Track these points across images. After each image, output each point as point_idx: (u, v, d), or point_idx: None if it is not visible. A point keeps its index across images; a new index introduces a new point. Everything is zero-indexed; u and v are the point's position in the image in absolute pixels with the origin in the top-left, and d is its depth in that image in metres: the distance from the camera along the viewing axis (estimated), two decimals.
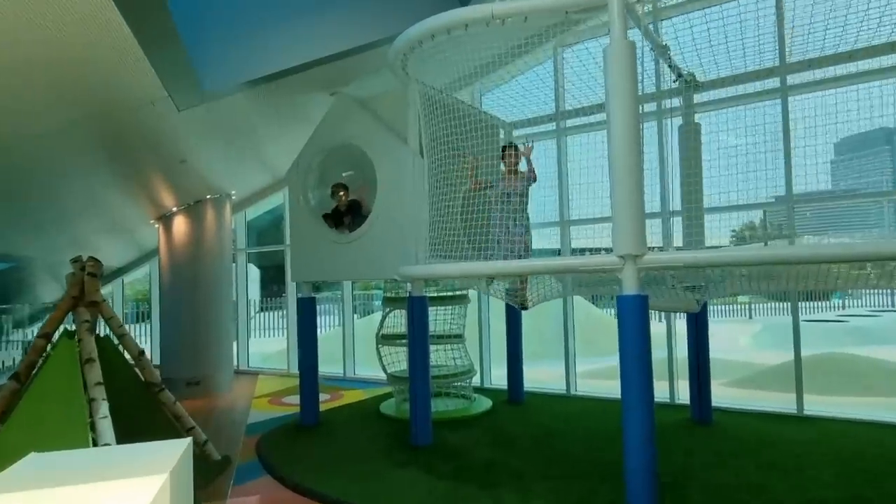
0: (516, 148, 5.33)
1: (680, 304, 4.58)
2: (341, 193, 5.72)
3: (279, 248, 10.45)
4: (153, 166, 6.40)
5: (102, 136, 5.12)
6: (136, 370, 4.58)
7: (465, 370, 6.58)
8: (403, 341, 6.79)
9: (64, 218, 7.13)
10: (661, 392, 6.54)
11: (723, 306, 19.05)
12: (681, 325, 6.94)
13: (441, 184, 5.34)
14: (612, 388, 7.71)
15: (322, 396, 7.29)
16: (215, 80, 4.45)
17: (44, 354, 4.19)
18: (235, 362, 10.27)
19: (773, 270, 4.37)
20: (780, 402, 6.37)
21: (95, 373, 3.94)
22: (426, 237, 5.29)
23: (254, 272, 21.12)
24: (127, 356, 4.66)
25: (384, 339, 6.82)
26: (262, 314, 18.84)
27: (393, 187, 5.38)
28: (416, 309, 5.26)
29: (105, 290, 12.75)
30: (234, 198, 9.08)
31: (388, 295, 6.91)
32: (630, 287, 3.65)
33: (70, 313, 4.32)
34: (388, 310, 6.86)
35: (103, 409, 3.79)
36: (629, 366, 3.66)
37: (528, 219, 5.36)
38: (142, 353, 4.59)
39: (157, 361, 8.71)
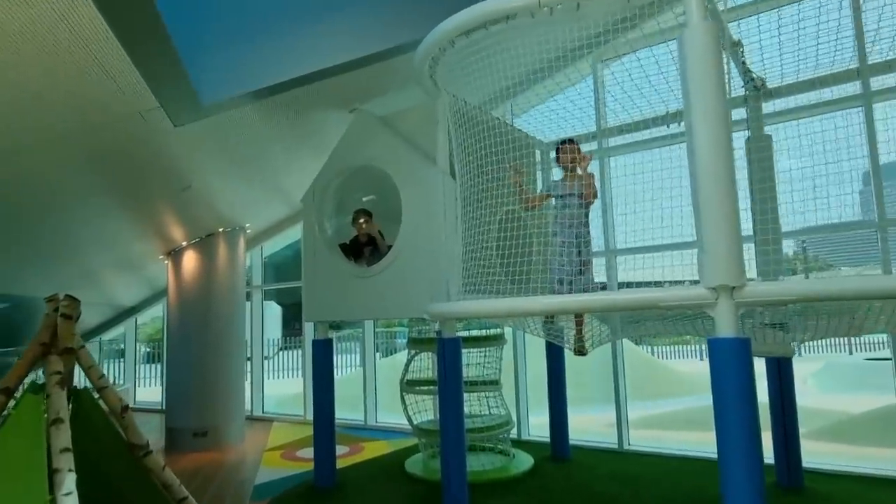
0: (576, 144, 4.56)
1: (776, 347, 3.73)
2: (362, 220, 5.05)
3: (297, 284, 9.81)
4: (154, 194, 5.84)
5: (89, 156, 4.56)
6: (120, 430, 3.88)
7: (502, 422, 5.74)
8: (432, 388, 6.02)
9: (62, 253, 6.59)
10: None
11: None
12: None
13: (476, 207, 4.67)
14: (669, 441, 6.79)
15: (340, 449, 6.49)
16: (216, 92, 3.88)
17: (3, 414, 3.51)
18: (249, 407, 9.54)
19: (855, 306, 3.48)
20: (879, 460, 5.36)
21: (63, 437, 3.23)
22: (460, 269, 4.58)
23: (275, 309, 20.63)
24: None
25: (409, 385, 6.03)
26: (283, 353, 18.19)
27: (420, 213, 4.70)
28: (448, 352, 4.49)
29: (117, 331, 12.25)
30: (248, 231, 8.52)
31: (414, 336, 6.16)
32: (726, 326, 2.86)
33: (40, 363, 3.66)
34: (413, 352, 6.10)
35: (69, 482, 3.06)
36: (729, 428, 2.84)
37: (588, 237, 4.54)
38: (126, 409, 3.89)
39: (156, 413, 8.00)
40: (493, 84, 4.71)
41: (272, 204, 8.09)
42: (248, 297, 10.06)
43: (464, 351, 5.71)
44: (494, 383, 5.86)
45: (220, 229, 7.84)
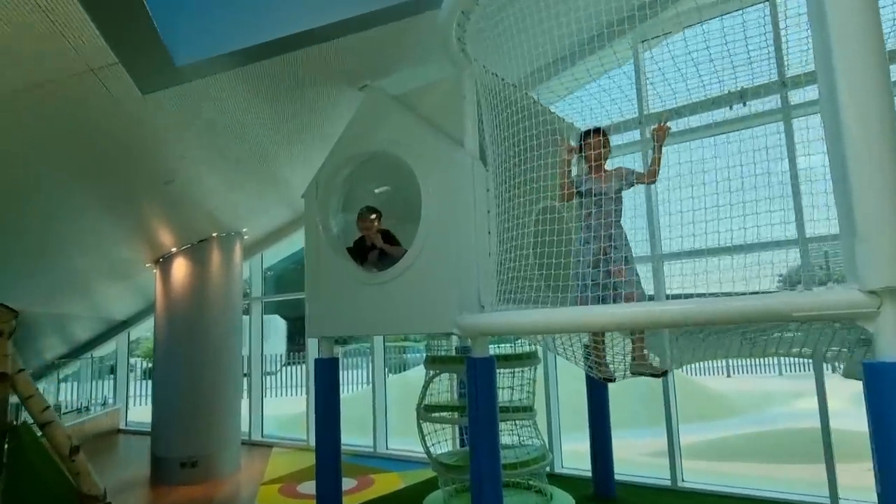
0: (605, 135, 3.83)
1: None
2: (373, 217, 4.23)
3: (299, 295, 9.01)
4: (133, 188, 5.06)
5: (48, 134, 3.78)
6: (69, 476, 3.06)
7: (538, 456, 4.87)
8: (452, 415, 5.19)
9: (35, 258, 5.81)
10: (811, 483, 4.72)
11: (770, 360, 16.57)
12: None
13: (510, 201, 3.88)
14: (727, 474, 5.92)
15: (346, 482, 5.64)
16: (192, 53, 3.10)
17: None
18: (247, 430, 8.69)
19: None
20: None
21: None
22: (494, 273, 3.78)
23: (279, 324, 19.82)
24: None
25: (428, 411, 5.18)
26: (288, 368, 17.36)
27: (444, 207, 3.89)
28: (482, 375, 3.66)
29: (109, 347, 11.47)
30: (245, 237, 7.74)
31: (433, 353, 5.32)
32: (893, 344, 2.03)
33: None
34: (431, 373, 5.25)
35: None
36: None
37: (626, 240, 3.76)
38: (76, 450, 3.07)
39: (147, 437, 7.17)
40: (530, 57, 3.92)
41: (272, 206, 7.30)
42: (247, 309, 9.26)
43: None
44: (527, 410, 5.00)
45: (214, 234, 7.06)
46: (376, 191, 4.53)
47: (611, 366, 3.57)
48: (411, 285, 3.98)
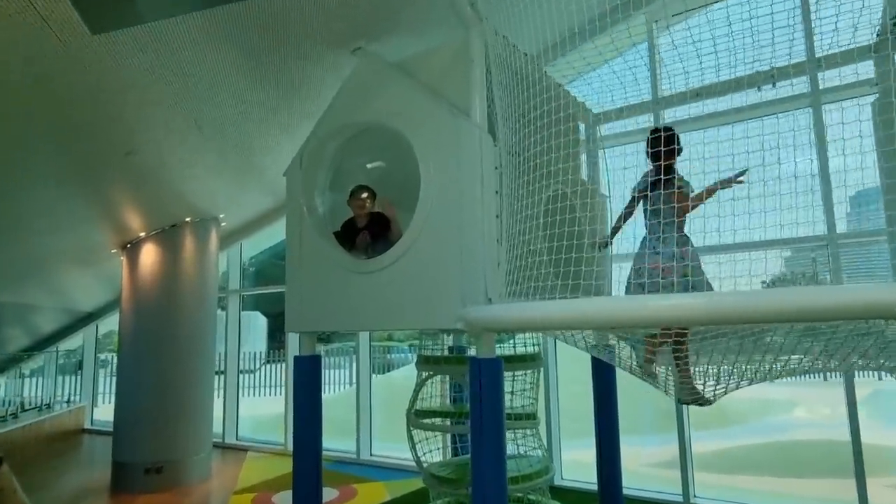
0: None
1: None
2: (364, 196, 3.70)
3: (281, 289, 8.46)
4: (90, 156, 4.47)
5: None
6: None
7: (540, 469, 4.39)
8: (445, 422, 4.71)
9: None
10: (838, 500, 4.31)
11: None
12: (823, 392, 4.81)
13: (519, 182, 3.44)
14: (741, 489, 5.47)
15: (327, 493, 5.14)
16: None
17: None
18: (221, 432, 8.11)
19: None
20: None
21: None
22: (502, 262, 3.32)
23: (260, 321, 19.15)
24: None
25: (419, 416, 4.67)
26: (269, 366, 16.74)
27: (447, 185, 3.39)
28: (487, 378, 3.17)
29: (76, 340, 10.78)
30: (223, 224, 7.17)
31: (426, 353, 4.82)
32: None
33: None
34: (424, 375, 4.75)
35: None
36: None
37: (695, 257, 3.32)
38: None
39: (109, 440, 6.57)
40: (543, 28, 3.45)
41: (251, 189, 6.74)
42: (223, 303, 8.68)
43: None
44: (531, 418, 4.52)
45: (187, 219, 6.49)
46: (368, 166, 4.01)
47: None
48: (407, 274, 3.47)
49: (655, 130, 3.49)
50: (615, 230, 3.92)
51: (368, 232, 3.64)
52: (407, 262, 3.48)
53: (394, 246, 3.51)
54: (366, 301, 3.66)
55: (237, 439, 8.26)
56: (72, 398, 10.23)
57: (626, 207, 3.78)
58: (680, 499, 4.95)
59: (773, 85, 4.04)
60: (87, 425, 10.00)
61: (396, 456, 6.82)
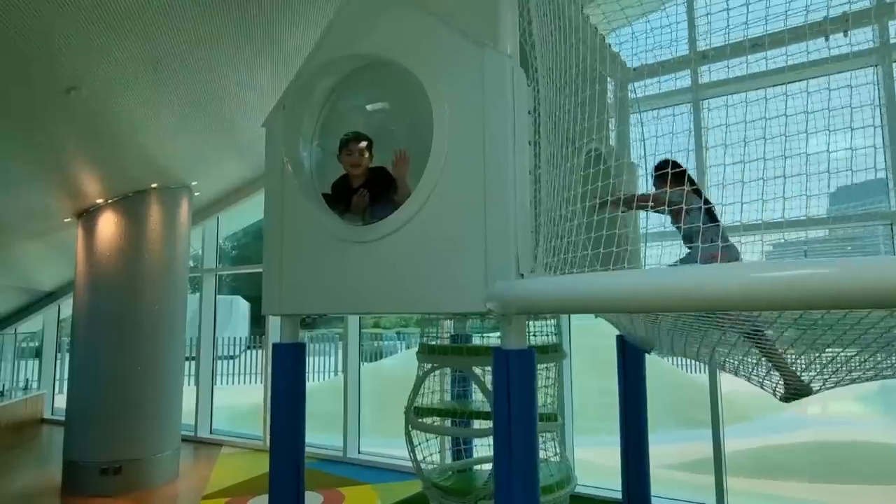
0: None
1: None
2: (361, 146, 2.97)
3: (260, 268, 7.71)
4: (23, 97, 3.68)
5: None
6: None
7: (562, 479, 3.74)
8: (443, 421, 4.08)
9: None
10: None
11: None
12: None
13: (553, 135, 2.81)
14: (784, 499, 4.90)
15: (311, 498, 4.45)
16: None
17: None
18: (193, 425, 7.39)
19: None
20: None
21: None
22: (534, 229, 2.67)
23: (242, 306, 18.33)
24: None
25: (421, 415, 4.00)
26: (251, 352, 16.00)
27: (466, 131, 2.69)
28: (517, 372, 2.49)
29: (36, 321, 9.91)
30: (196, 194, 6.39)
31: (429, 341, 4.14)
32: None
33: None
34: (427, 366, 4.06)
35: None
36: None
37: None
38: None
39: (60, 435, 5.80)
40: None
41: (227, 157, 5.96)
42: (197, 284, 7.91)
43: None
44: (551, 419, 3.86)
45: (154, 185, 5.69)
46: (369, 107, 3.26)
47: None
48: (415, 244, 2.77)
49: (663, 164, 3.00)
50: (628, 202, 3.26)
51: (367, 191, 2.91)
52: (415, 229, 2.78)
53: (399, 209, 2.80)
54: (362, 278, 2.96)
55: (211, 433, 7.53)
56: (30, 385, 9.39)
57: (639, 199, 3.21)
58: None
59: (845, 34, 3.40)
60: (47, 415, 9.18)
61: (386, 454, 6.17)
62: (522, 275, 2.53)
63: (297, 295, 3.32)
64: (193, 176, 5.95)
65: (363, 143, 2.98)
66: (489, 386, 3.77)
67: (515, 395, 2.49)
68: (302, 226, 3.25)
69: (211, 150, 5.59)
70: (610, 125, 4.14)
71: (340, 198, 3.03)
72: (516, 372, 2.50)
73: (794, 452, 6.99)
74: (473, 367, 3.74)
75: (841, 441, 7.21)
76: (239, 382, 14.45)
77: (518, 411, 2.48)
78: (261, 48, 4.05)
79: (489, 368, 3.83)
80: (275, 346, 3.50)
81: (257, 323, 18.18)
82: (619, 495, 4.73)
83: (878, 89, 4.24)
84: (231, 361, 15.33)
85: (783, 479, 5.94)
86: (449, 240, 2.66)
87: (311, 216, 3.18)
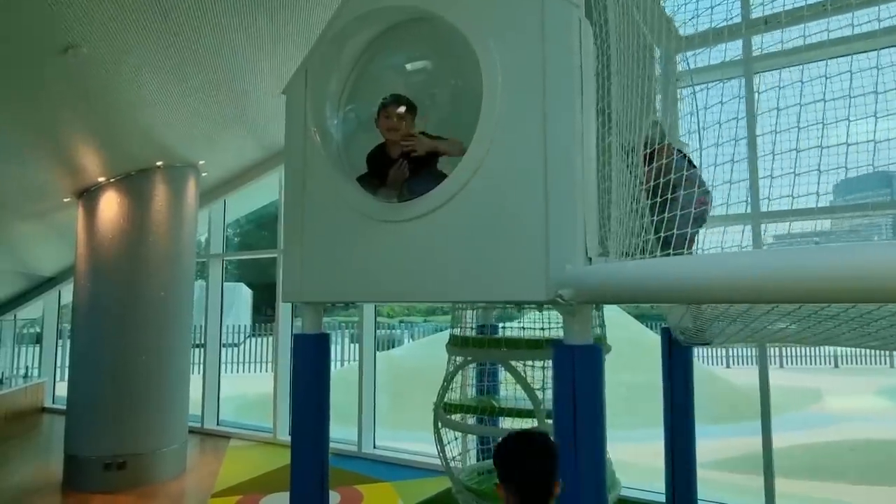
0: None
1: None
2: (402, 110, 2.61)
3: (270, 254, 7.40)
4: (17, 62, 3.32)
5: None
6: None
7: (609, 484, 3.43)
8: (466, 418, 3.78)
9: None
10: None
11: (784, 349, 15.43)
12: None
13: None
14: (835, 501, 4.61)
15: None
16: None
17: None
18: (200, 416, 7.11)
19: None
20: None
21: None
22: (603, 208, 2.36)
23: (244, 293, 18.04)
24: None
25: (451, 411, 3.69)
26: (253, 340, 15.76)
27: (520, 98, 2.33)
28: (583, 370, 2.17)
29: (37, 307, 9.61)
30: (203, 175, 6.04)
31: (461, 332, 3.81)
32: None
33: None
34: (458, 360, 3.74)
35: None
36: None
37: None
38: None
39: (62, 424, 5.50)
40: None
41: (238, 132, 5.61)
42: (204, 270, 7.59)
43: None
44: None
45: (159, 164, 5.35)
46: (408, 66, 2.88)
47: None
48: (461, 222, 2.42)
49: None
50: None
51: (407, 162, 2.56)
52: (462, 205, 2.44)
53: (443, 182, 2.45)
54: (398, 262, 2.62)
55: (218, 425, 7.24)
56: (30, 372, 9.10)
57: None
58: None
59: None
60: (48, 403, 8.90)
61: (403, 449, 5.88)
62: (591, 259, 2.20)
63: (320, 281, 2.98)
64: (201, 154, 5.60)
65: (402, 108, 2.61)
66: (531, 382, 3.48)
67: (582, 394, 2.17)
68: (327, 203, 2.92)
69: (220, 125, 5.23)
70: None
71: (376, 170, 2.67)
72: (582, 369, 2.19)
73: (837, 451, 6.68)
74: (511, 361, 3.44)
75: (874, 439, 6.91)
76: (243, 371, 14.20)
77: (585, 413, 2.17)
78: (278, 13, 3.68)
79: (529, 363, 3.54)
80: (296, 336, 3.18)
81: (259, 310, 17.98)
82: (657, 496, 4.47)
83: None
84: (234, 349, 15.10)
85: (823, 479, 5.65)
86: (502, 218, 2.32)
87: (338, 192, 2.84)
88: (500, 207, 2.33)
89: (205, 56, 3.91)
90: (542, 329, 3.55)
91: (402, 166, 2.55)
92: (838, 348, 13.71)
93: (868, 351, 13.31)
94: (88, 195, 5.33)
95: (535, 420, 3.29)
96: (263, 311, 17.96)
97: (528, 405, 3.38)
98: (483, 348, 3.52)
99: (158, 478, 5.11)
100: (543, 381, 3.39)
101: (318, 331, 3.15)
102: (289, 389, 6.88)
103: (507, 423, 3.69)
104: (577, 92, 2.23)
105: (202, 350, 7.46)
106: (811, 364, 14.49)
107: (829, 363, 14.55)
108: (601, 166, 2.38)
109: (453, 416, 3.77)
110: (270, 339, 16.17)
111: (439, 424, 3.66)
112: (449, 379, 3.70)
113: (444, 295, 2.59)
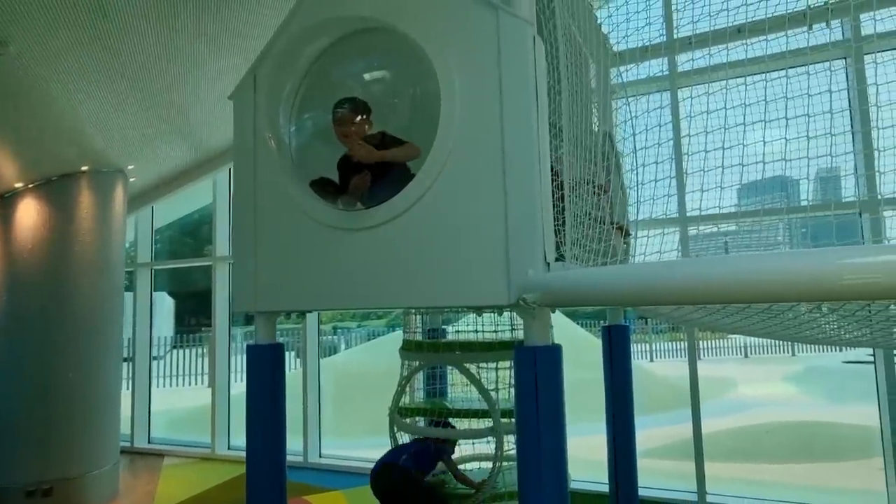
0: None
1: None
2: (360, 120, 2.61)
3: (204, 262, 7.10)
4: None
5: None
6: None
7: None
8: (417, 420, 3.85)
9: None
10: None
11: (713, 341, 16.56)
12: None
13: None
14: (756, 479, 4.99)
15: None
16: None
17: None
18: (129, 434, 6.73)
19: None
20: None
21: None
22: (570, 208, 2.50)
23: (166, 302, 17.12)
24: None
25: (407, 415, 3.73)
26: (176, 352, 14.99)
27: (478, 108, 2.42)
28: (545, 370, 2.27)
29: None
30: (131, 179, 5.73)
31: (413, 337, 3.86)
32: None
33: None
34: (411, 365, 3.79)
35: None
36: None
37: None
38: None
39: None
40: None
41: (168, 137, 5.37)
42: (131, 280, 7.19)
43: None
44: None
45: (84, 169, 5.03)
46: (367, 76, 2.90)
47: None
48: (422, 229, 2.47)
49: None
50: None
51: (369, 170, 2.56)
52: (422, 212, 2.49)
53: (406, 187, 2.49)
54: (361, 269, 2.64)
55: (149, 443, 6.87)
56: None
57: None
58: (695, 498, 4.36)
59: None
60: None
61: (351, 456, 5.83)
62: (549, 264, 2.32)
63: (275, 290, 2.94)
64: (130, 158, 5.32)
65: (360, 117, 2.61)
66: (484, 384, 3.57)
67: (544, 394, 2.28)
68: (280, 211, 2.88)
69: (150, 129, 4.99)
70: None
71: (345, 177, 2.67)
72: (544, 369, 2.29)
73: (745, 435, 7.27)
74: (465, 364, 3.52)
75: (785, 422, 7.57)
76: (169, 385, 13.52)
77: (547, 412, 2.28)
78: (223, 22, 3.59)
79: (482, 365, 3.63)
80: (249, 347, 3.11)
81: (182, 320, 17.15)
82: (599, 487, 4.68)
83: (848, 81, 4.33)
84: (157, 362, 14.33)
85: (745, 461, 6.13)
86: (462, 224, 2.40)
87: (293, 200, 2.82)
88: (460, 216, 2.40)
89: (139, 58, 3.73)
90: (495, 332, 3.67)
91: (364, 176, 2.56)
92: (748, 339, 14.87)
93: (773, 342, 14.56)
94: (4, 202, 4.92)
95: (489, 420, 3.39)
96: (186, 321, 17.17)
97: (480, 405, 3.48)
98: (437, 352, 3.58)
99: (89, 503, 4.79)
100: (497, 381, 3.51)
101: (272, 341, 3.10)
102: (227, 402, 6.66)
103: (465, 424, 3.76)
104: (533, 103, 2.35)
105: (130, 364, 7.06)
106: (724, 355, 15.64)
107: (740, 353, 15.76)
108: (554, 175, 2.51)
109: (407, 420, 3.82)
110: (196, 350, 15.43)
111: (395, 428, 3.70)
112: (404, 383, 3.74)
113: (408, 301, 2.63)
